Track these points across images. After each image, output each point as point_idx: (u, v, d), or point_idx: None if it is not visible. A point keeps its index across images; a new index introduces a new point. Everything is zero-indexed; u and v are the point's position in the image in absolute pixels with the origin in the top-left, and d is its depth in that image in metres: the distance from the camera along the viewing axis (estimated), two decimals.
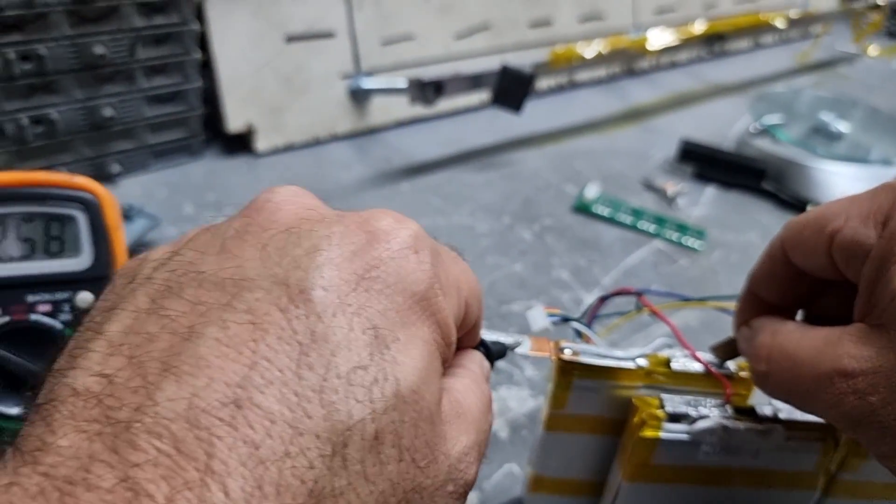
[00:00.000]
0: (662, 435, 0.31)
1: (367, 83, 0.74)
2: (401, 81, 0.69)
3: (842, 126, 0.79)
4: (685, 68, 1.05)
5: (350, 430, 0.15)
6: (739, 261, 0.62)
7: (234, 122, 0.69)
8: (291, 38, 0.71)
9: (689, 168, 0.74)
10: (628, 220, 0.65)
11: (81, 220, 0.32)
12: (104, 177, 0.65)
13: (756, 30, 0.92)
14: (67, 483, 0.13)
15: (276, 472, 0.14)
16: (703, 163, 0.74)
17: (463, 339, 0.23)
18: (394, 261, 0.18)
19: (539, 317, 0.38)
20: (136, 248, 0.55)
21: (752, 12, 1.09)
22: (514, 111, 0.68)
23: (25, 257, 0.32)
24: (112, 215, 0.33)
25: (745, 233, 0.66)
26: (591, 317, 0.40)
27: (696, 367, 0.33)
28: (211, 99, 0.69)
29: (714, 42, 0.88)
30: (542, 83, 0.90)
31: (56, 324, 0.32)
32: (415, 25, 0.78)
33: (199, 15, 0.65)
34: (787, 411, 0.32)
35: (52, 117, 0.59)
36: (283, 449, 0.14)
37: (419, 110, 0.76)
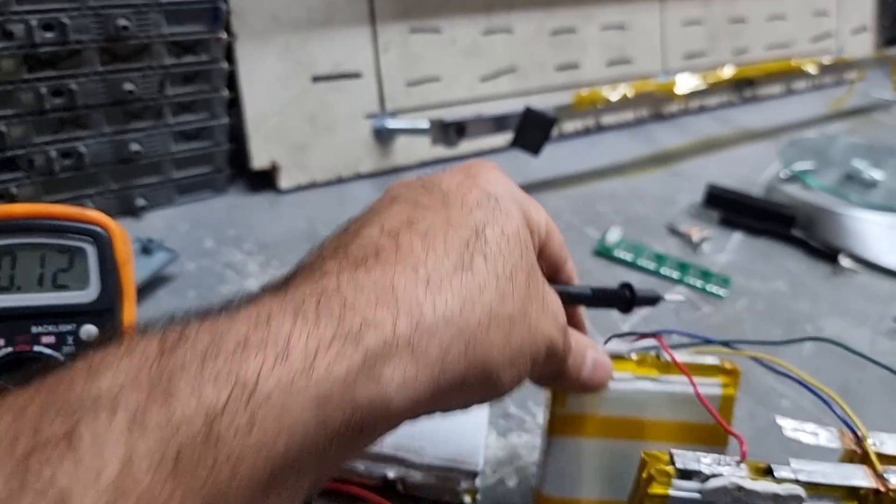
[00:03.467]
0: (672, 493, 0.30)
1: (392, 123, 0.74)
2: (423, 122, 0.69)
3: (876, 174, 0.78)
4: (715, 113, 1.04)
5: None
6: (766, 309, 0.60)
7: (259, 159, 0.70)
8: (318, 78, 0.71)
9: (716, 214, 0.73)
10: (651, 265, 0.64)
11: (91, 253, 0.32)
12: (130, 210, 0.66)
13: (787, 76, 0.92)
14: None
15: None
16: (730, 208, 0.72)
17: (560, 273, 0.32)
18: (508, 218, 0.27)
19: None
20: (154, 281, 0.56)
21: (783, 58, 1.08)
22: (533, 154, 0.68)
23: (33, 288, 0.32)
24: (122, 250, 0.33)
25: (773, 281, 0.65)
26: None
27: (686, 358, 0.35)
28: (237, 136, 0.70)
29: (743, 87, 0.88)
30: (569, 126, 0.90)
31: (58, 356, 0.32)
32: (440, 68, 0.79)
33: (229, 54, 0.67)
34: (806, 472, 0.30)
35: (79, 150, 0.60)
36: None
37: (442, 151, 0.76)
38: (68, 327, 0.32)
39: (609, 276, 0.62)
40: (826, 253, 0.69)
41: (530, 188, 0.77)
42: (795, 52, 1.14)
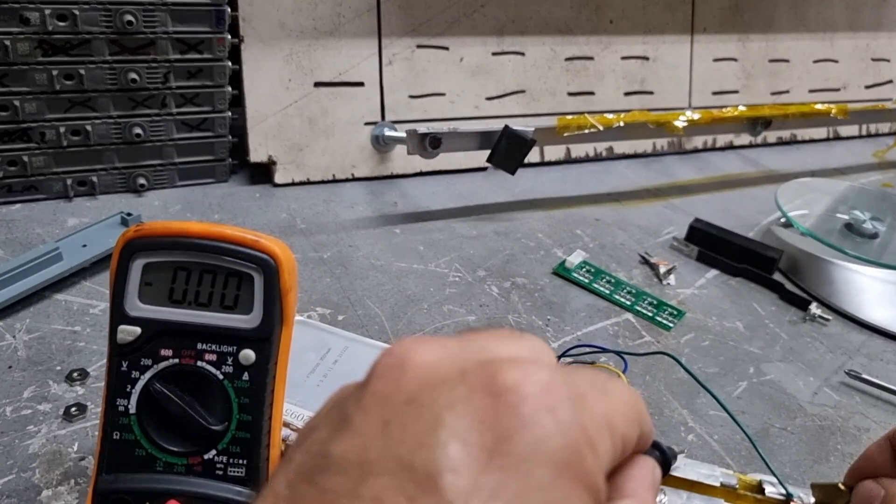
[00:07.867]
0: None
1: (386, 131, 0.78)
2: (402, 132, 0.72)
3: (879, 225, 0.75)
4: (743, 152, 1.03)
5: None
6: (710, 346, 0.59)
7: (256, 153, 0.75)
8: (320, 84, 0.76)
9: (697, 249, 0.72)
10: (605, 289, 0.64)
11: (258, 281, 0.33)
12: (132, 187, 0.72)
13: (828, 120, 0.89)
14: None
15: None
16: (709, 245, 0.72)
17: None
18: (526, 429, 0.16)
19: None
20: None
21: (831, 102, 1.04)
22: (509, 172, 0.70)
23: (202, 306, 0.33)
24: (287, 279, 0.33)
25: (733, 320, 0.64)
26: None
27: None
28: (242, 131, 0.75)
29: (757, 125, 0.86)
30: (579, 150, 0.91)
31: (217, 374, 0.33)
32: (445, 84, 0.82)
33: (237, 54, 0.72)
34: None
35: (87, 129, 0.67)
36: None
37: (438, 163, 0.79)
38: (229, 349, 0.33)
39: (560, 296, 0.63)
40: (800, 299, 0.67)
41: (516, 205, 0.79)
42: (846, 98, 1.10)
